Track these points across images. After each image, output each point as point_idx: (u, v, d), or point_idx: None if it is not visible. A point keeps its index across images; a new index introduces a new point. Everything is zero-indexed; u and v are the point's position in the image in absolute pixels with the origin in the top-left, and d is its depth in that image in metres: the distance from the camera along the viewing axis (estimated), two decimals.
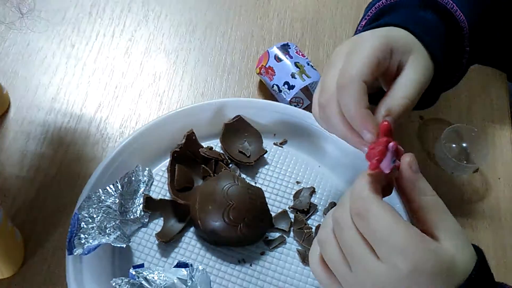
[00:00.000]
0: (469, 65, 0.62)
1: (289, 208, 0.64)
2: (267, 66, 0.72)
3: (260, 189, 0.61)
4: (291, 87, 0.70)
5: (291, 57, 0.72)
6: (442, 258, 0.39)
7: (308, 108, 0.72)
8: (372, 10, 0.61)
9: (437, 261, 0.39)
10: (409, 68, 0.51)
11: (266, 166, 0.67)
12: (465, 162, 0.68)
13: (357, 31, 0.64)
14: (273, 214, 0.63)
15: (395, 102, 0.48)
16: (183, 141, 0.64)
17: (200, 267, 0.56)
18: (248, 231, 0.59)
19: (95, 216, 0.58)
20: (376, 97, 0.50)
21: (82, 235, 0.56)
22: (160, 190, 0.64)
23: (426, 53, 0.52)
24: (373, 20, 0.61)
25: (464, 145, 0.70)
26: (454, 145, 0.70)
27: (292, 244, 0.62)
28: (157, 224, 0.62)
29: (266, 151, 0.67)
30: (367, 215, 0.40)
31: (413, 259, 0.39)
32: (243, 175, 0.66)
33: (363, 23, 0.62)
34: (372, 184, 0.42)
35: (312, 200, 0.65)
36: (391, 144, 0.43)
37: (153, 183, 0.65)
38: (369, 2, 0.65)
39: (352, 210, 0.42)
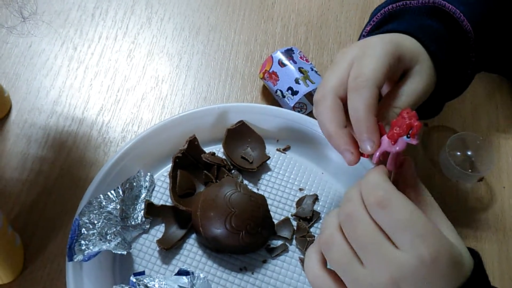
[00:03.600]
0: (474, 75, 0.62)
1: (291, 215, 0.64)
2: (270, 71, 0.72)
3: (263, 196, 0.61)
4: (294, 93, 0.69)
5: (295, 62, 0.71)
6: (455, 250, 0.40)
7: (312, 114, 0.72)
8: (378, 16, 0.61)
9: (453, 253, 0.40)
10: (413, 78, 0.50)
11: (269, 173, 0.67)
12: (469, 170, 0.67)
13: (361, 36, 0.63)
14: (275, 222, 0.63)
15: (397, 111, 0.48)
16: (185, 146, 0.64)
17: (202, 275, 0.55)
18: (250, 238, 0.58)
19: (96, 222, 0.57)
20: None
21: (82, 241, 0.55)
22: (162, 195, 0.64)
23: (431, 63, 0.52)
24: (379, 25, 0.60)
25: (469, 153, 0.69)
26: (458, 153, 0.69)
27: (294, 252, 0.61)
28: (159, 231, 0.61)
29: (269, 157, 0.67)
30: (390, 203, 0.40)
31: (436, 247, 0.39)
32: (245, 181, 0.66)
33: (368, 28, 0.62)
34: (387, 177, 0.43)
35: (315, 207, 0.64)
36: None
37: (155, 189, 0.64)
38: (375, 7, 0.64)
39: (371, 200, 0.41)
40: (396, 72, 0.50)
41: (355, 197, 0.43)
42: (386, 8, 0.60)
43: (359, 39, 0.64)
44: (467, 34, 0.57)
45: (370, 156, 0.46)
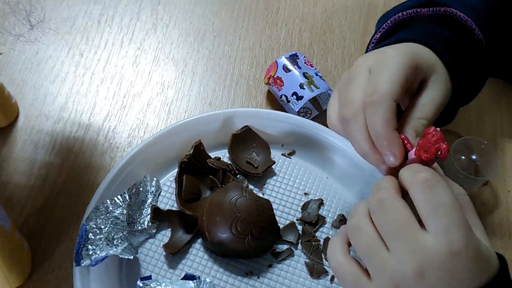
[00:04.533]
0: (485, 82, 0.62)
1: (297, 220, 0.64)
2: (275, 76, 0.72)
3: (268, 201, 0.61)
4: (299, 98, 0.70)
5: (300, 68, 0.72)
6: (482, 248, 0.40)
7: (317, 118, 0.72)
8: (388, 24, 0.60)
9: (480, 249, 0.40)
10: (431, 87, 0.50)
11: (274, 177, 0.67)
12: (474, 174, 0.68)
13: (370, 43, 0.63)
14: (281, 226, 0.63)
15: (419, 122, 0.48)
16: (191, 151, 0.64)
17: (208, 279, 0.56)
18: (255, 243, 0.58)
19: (102, 227, 0.57)
20: None
21: (89, 246, 0.56)
22: (168, 200, 0.64)
23: (446, 72, 0.52)
24: (388, 33, 0.60)
25: (473, 157, 0.69)
26: (463, 158, 0.69)
27: (300, 257, 0.61)
28: (165, 235, 0.62)
29: (274, 162, 0.67)
30: (436, 184, 0.41)
31: (466, 239, 0.39)
32: (250, 186, 0.66)
33: (378, 36, 0.62)
34: None
35: (320, 212, 0.65)
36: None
37: (161, 194, 0.64)
38: (381, 14, 0.64)
39: (419, 177, 0.41)
40: (413, 83, 0.50)
41: (387, 185, 0.43)
42: (396, 15, 0.60)
43: (367, 46, 0.64)
44: (478, 42, 0.57)
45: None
